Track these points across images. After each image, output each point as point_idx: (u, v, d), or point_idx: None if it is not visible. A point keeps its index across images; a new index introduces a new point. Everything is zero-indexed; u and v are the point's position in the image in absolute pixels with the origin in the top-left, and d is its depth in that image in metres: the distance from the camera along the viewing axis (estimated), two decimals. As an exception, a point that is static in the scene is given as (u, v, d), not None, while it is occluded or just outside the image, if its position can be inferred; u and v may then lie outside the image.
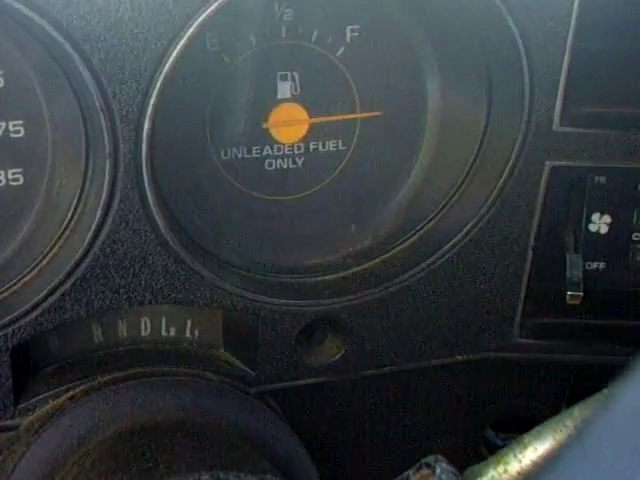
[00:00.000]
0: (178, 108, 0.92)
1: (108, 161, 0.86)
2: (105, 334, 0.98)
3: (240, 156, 0.98)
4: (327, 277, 1.00)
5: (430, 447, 1.03)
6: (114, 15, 0.81)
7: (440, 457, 0.70)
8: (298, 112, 0.98)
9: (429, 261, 0.99)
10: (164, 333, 1.00)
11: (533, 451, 0.72)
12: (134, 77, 0.83)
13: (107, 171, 0.86)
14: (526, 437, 0.73)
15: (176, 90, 0.88)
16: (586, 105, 0.97)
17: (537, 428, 0.74)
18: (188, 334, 1.00)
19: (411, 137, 1.02)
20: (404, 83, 1.00)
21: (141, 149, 0.86)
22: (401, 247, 1.01)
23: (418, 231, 1.01)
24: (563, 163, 0.98)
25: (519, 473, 0.71)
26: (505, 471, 0.71)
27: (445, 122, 1.01)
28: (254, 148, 0.98)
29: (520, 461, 0.73)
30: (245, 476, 0.76)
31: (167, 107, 0.87)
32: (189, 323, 1.00)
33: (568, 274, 1.03)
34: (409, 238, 1.02)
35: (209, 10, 0.83)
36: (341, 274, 1.00)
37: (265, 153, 0.99)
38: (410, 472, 0.69)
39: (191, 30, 0.83)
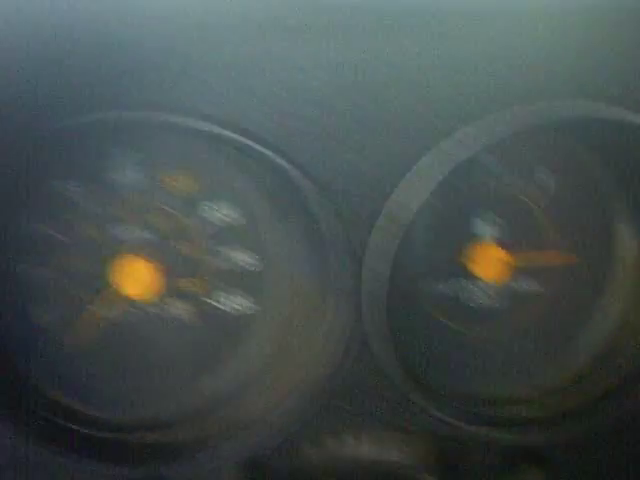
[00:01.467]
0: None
1: (347, 301, 0.92)
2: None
3: (440, 290, 1.04)
4: (523, 409, 1.05)
5: None
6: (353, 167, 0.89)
7: None
8: (498, 252, 1.04)
9: (624, 399, 1.03)
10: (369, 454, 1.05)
11: None
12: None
13: (344, 311, 0.93)
14: None
15: None
16: None
17: None
18: (393, 457, 1.05)
19: (605, 281, 1.07)
20: (597, 228, 1.06)
21: (381, 289, 0.92)
22: (595, 386, 1.05)
23: (612, 372, 1.05)
24: None
25: None
26: None
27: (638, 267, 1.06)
28: (453, 282, 1.05)
29: None
30: None
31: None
32: (393, 446, 1.05)
33: None
34: (603, 378, 1.05)
35: (427, 158, 0.90)
36: (537, 407, 1.05)
37: (464, 288, 1.05)
38: None
39: (412, 175, 0.91)
